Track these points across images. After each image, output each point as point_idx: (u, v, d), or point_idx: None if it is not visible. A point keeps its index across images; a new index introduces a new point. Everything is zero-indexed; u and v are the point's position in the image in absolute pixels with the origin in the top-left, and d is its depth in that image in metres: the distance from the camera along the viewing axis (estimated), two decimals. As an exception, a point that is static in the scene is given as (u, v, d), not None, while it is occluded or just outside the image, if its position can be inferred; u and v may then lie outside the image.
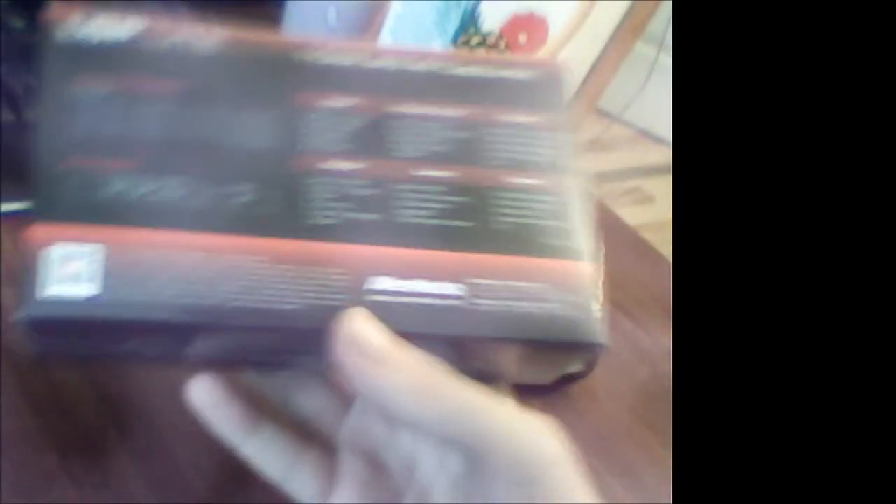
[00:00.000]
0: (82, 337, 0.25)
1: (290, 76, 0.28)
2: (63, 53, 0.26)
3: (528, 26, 0.48)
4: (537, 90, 0.30)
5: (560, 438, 0.24)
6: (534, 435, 0.24)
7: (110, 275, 0.24)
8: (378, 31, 0.51)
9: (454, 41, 0.45)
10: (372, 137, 0.28)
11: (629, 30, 1.36)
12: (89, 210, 0.24)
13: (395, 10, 0.49)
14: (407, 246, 0.26)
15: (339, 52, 0.28)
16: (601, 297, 0.27)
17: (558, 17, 0.50)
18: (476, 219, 0.27)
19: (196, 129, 0.26)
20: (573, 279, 0.27)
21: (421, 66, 0.29)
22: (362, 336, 0.24)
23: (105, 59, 0.26)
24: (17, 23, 0.47)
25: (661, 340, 0.51)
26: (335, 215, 0.26)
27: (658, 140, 1.87)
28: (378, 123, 0.28)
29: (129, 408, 0.37)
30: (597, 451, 0.43)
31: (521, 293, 0.27)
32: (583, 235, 0.28)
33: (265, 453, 0.28)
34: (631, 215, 0.68)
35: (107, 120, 0.26)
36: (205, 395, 0.27)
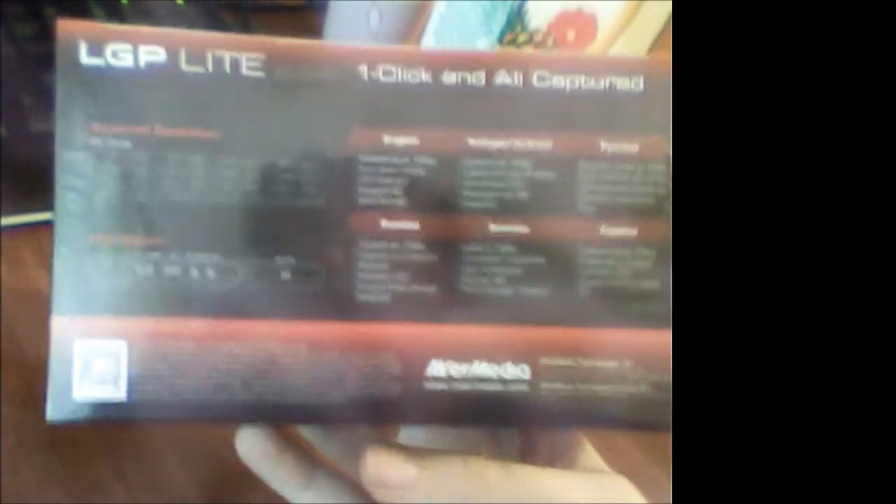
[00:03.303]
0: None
1: (344, 105, 0.23)
2: (76, 92, 0.22)
3: (576, 23, 0.47)
4: (646, 104, 0.23)
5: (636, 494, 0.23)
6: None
7: (135, 374, 0.22)
8: (421, 33, 0.50)
9: (500, 40, 0.44)
10: (437, 186, 0.23)
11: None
12: (111, 300, 0.22)
13: (438, 10, 0.48)
14: (468, 322, 0.23)
15: (401, 62, 0.23)
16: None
17: (607, 14, 0.48)
18: (553, 285, 0.23)
19: (230, 189, 0.22)
20: (664, 353, 0.23)
21: (505, 80, 0.23)
22: (388, 476, 0.22)
23: (125, 99, 0.22)
24: (25, 31, 0.46)
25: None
26: (387, 289, 0.22)
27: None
28: (446, 166, 0.23)
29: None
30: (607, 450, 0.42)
31: (598, 373, 0.23)
32: None
33: None
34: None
35: (130, 185, 0.22)
36: (254, 449, 0.24)
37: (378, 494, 0.22)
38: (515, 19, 0.43)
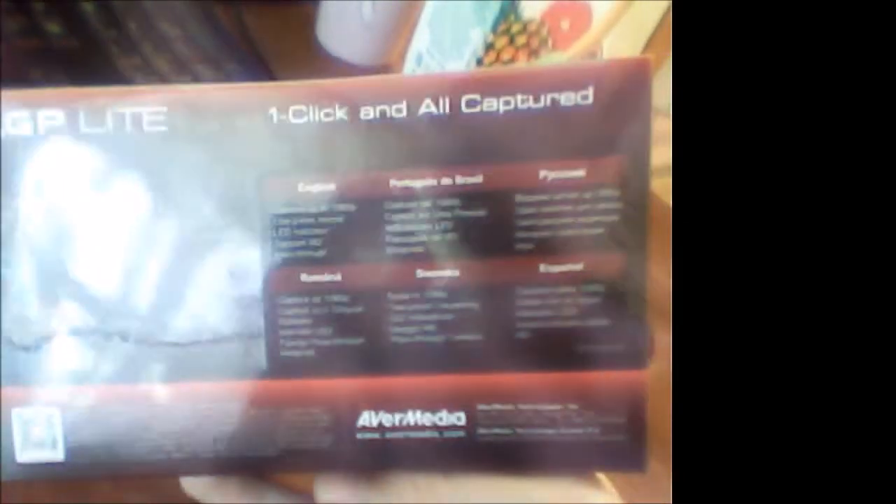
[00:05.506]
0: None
1: (255, 154, 0.21)
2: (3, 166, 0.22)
3: (570, 12, 0.46)
4: (596, 119, 0.21)
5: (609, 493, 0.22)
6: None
7: (71, 439, 0.22)
8: (415, 24, 0.49)
9: (494, 29, 0.43)
10: (359, 234, 0.21)
11: (675, 20, 1.31)
12: (40, 370, 0.22)
13: (432, 1, 0.47)
14: (400, 372, 0.22)
15: (313, 100, 0.21)
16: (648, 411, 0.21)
17: (602, 3, 0.47)
18: (488, 330, 0.21)
19: (143, 256, 0.22)
20: (616, 394, 0.21)
21: (430, 108, 0.21)
22: (340, 499, 0.22)
23: (29, 169, 0.22)
24: (12, 26, 0.46)
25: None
26: (310, 345, 0.22)
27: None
28: (368, 212, 0.21)
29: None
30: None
31: (540, 418, 0.22)
32: (636, 333, 0.21)
33: None
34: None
35: (44, 260, 0.22)
36: (198, 483, 0.24)
37: None
38: (509, 9, 0.43)
